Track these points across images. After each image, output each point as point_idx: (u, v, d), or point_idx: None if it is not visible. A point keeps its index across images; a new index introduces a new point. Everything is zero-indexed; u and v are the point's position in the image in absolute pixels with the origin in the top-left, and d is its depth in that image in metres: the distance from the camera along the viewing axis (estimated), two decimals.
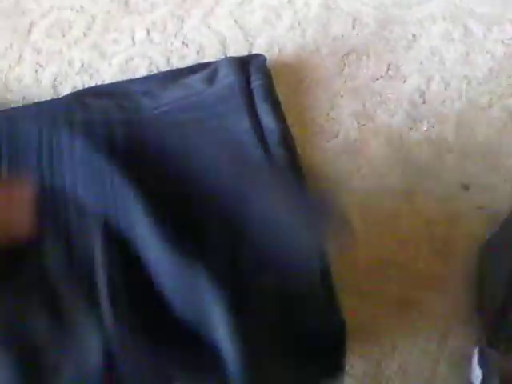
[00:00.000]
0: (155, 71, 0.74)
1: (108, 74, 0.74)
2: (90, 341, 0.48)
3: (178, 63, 0.74)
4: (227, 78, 0.65)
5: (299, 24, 0.78)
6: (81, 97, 0.67)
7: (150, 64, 0.74)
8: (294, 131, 0.65)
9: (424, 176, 0.68)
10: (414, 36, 0.78)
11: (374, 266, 0.62)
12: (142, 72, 0.74)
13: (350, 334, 0.58)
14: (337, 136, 0.70)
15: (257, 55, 0.71)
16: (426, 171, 0.68)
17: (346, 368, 0.57)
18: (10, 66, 0.77)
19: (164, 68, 0.74)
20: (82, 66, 0.76)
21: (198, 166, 0.57)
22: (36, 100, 0.72)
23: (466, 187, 0.67)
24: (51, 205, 0.54)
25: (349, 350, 0.58)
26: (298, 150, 0.64)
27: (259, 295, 0.51)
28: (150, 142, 0.59)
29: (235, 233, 0.53)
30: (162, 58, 0.74)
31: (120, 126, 0.59)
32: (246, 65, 0.67)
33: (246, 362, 0.47)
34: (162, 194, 0.53)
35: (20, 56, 0.78)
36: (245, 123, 0.62)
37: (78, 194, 0.55)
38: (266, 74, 0.68)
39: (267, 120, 0.62)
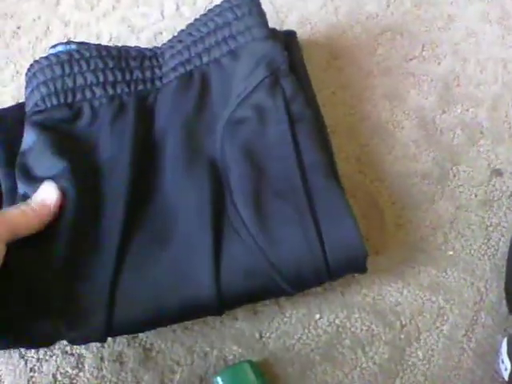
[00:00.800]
0: None
1: None
2: None
3: None
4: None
5: (332, 1, 0.76)
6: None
7: None
8: (326, 111, 0.64)
9: (456, 160, 0.66)
10: (449, 16, 0.76)
11: (403, 250, 0.61)
12: None
13: (378, 319, 0.57)
14: (369, 117, 0.68)
15: (288, 31, 0.69)
16: (458, 156, 0.66)
17: (371, 354, 0.57)
18: (37, 37, 0.76)
19: None
20: (110, 39, 0.75)
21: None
22: None
23: (499, 173, 0.66)
24: None
25: (374, 336, 0.57)
26: (329, 130, 0.63)
27: None
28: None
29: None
30: None
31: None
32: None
33: None
34: None
35: (48, 28, 0.77)
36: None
37: None
38: (298, 49, 0.67)
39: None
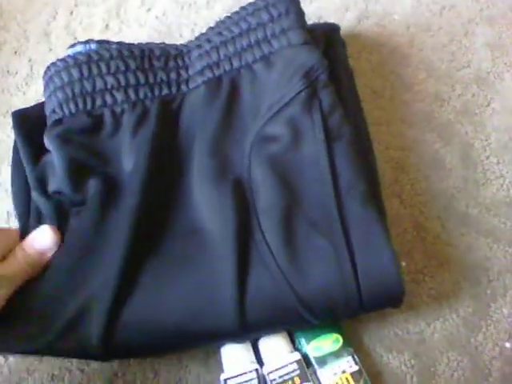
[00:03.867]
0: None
1: None
2: None
3: None
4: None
5: None
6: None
7: None
8: (425, 56, 0.62)
9: None
10: None
11: (497, 206, 0.60)
12: None
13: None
14: (468, 65, 0.66)
15: (330, 25, 0.63)
16: None
17: (455, 306, 0.56)
18: None
19: None
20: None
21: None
22: None
23: None
24: None
25: (460, 289, 0.56)
26: (425, 74, 0.61)
27: None
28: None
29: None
30: None
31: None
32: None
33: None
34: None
35: None
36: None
37: None
38: (341, 47, 0.62)
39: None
